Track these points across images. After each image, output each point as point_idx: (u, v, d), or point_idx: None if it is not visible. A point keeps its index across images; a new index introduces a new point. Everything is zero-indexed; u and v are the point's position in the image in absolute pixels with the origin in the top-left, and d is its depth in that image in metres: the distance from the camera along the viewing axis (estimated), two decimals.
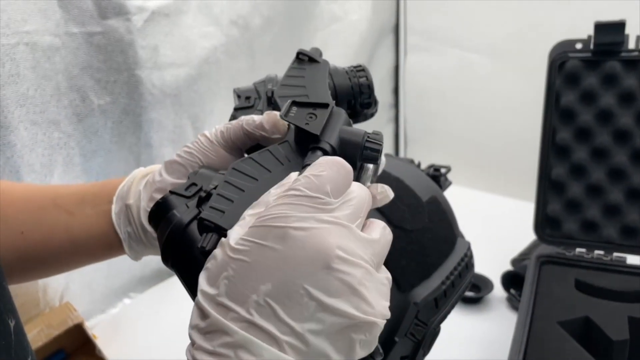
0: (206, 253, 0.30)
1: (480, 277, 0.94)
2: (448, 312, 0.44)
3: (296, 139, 0.37)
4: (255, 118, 0.42)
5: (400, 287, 0.42)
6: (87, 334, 0.82)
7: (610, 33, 0.73)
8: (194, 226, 0.33)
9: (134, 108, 0.91)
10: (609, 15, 1.08)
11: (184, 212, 0.34)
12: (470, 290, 0.91)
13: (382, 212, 0.45)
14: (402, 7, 1.42)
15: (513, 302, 0.88)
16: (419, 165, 0.61)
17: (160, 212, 0.34)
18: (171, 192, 0.35)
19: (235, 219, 0.30)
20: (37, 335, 0.78)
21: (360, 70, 0.48)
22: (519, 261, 0.94)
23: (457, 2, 1.31)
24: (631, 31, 0.74)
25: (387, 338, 0.40)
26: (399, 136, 1.58)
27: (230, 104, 1.14)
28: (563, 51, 0.77)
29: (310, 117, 0.36)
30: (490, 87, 1.31)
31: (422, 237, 0.45)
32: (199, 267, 0.29)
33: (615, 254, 0.76)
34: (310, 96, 0.43)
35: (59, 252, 0.45)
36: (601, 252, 0.76)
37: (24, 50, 0.75)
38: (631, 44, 0.74)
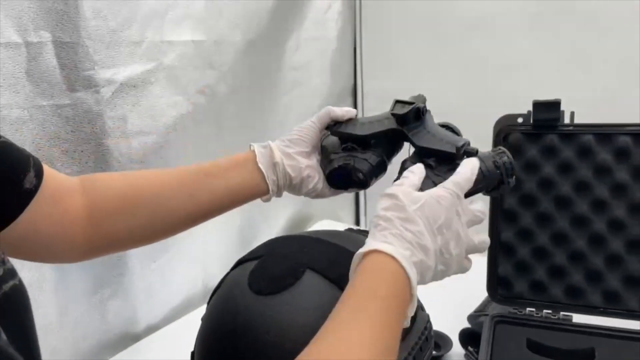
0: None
1: (440, 334, 0.98)
2: None
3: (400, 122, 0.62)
4: (336, 110, 0.66)
5: None
6: None
7: (547, 110, 0.80)
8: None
9: None
10: (547, 86, 1.19)
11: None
12: None
13: (327, 278, 0.47)
14: (359, 72, 1.50)
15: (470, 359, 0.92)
16: None
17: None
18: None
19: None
20: None
21: (501, 152, 0.59)
22: (475, 317, 0.98)
23: (408, 70, 1.41)
24: (566, 107, 0.82)
25: None
26: (359, 192, 1.64)
27: None
28: (506, 124, 0.84)
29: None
30: None
31: None
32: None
33: (562, 313, 0.81)
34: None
35: (222, 202, 0.62)
36: (549, 312, 0.82)
37: None
38: (567, 119, 0.82)
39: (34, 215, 0.51)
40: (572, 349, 0.75)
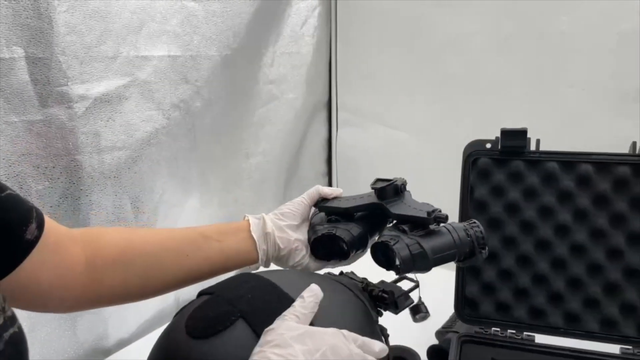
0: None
1: (408, 350, 1.00)
2: None
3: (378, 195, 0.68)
4: (325, 189, 0.74)
5: None
6: None
7: (514, 138, 0.83)
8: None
9: (73, 192, 0.92)
10: (515, 110, 1.22)
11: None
12: None
13: (255, 332, 0.47)
14: (333, 86, 1.52)
15: None
16: (365, 284, 0.64)
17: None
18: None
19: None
20: None
21: (474, 224, 0.63)
22: (442, 334, 1.01)
23: (382, 85, 1.43)
24: (533, 132, 0.85)
25: None
26: None
27: (170, 181, 1.19)
28: (475, 150, 0.87)
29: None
30: (414, 162, 1.42)
31: None
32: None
33: (525, 333, 0.84)
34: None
35: (213, 265, 0.64)
36: (513, 332, 0.85)
37: None
38: (533, 147, 0.85)
39: (34, 265, 0.53)
40: None
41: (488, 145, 0.86)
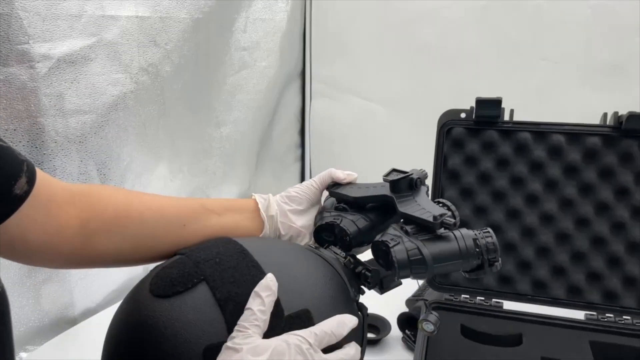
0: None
1: (379, 318, 1.01)
2: None
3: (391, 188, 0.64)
4: (338, 172, 0.70)
5: None
6: None
7: (488, 107, 0.84)
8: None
9: (35, 156, 0.88)
10: (489, 81, 1.23)
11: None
12: (369, 331, 0.98)
13: (224, 316, 0.45)
14: (307, 55, 1.49)
15: (408, 343, 0.96)
16: (349, 260, 0.60)
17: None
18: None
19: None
20: None
21: (486, 233, 0.57)
22: (412, 302, 1.02)
23: (357, 56, 1.41)
24: (506, 104, 0.86)
25: None
26: (304, 174, 1.65)
27: (138, 148, 1.15)
28: (450, 119, 0.87)
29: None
30: (387, 135, 1.41)
31: None
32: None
33: (494, 300, 0.86)
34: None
35: (208, 239, 0.60)
36: (482, 298, 0.86)
37: None
38: (507, 116, 0.85)
39: (23, 222, 0.50)
40: (502, 335, 0.80)
41: (462, 115, 0.86)
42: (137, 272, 1.12)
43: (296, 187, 0.70)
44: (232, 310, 0.46)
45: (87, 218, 0.57)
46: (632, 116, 0.78)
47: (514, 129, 0.84)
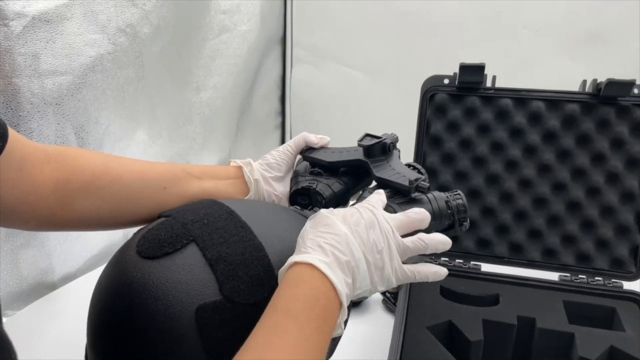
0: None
1: None
2: None
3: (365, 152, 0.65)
4: (311, 136, 0.71)
5: (212, 357, 0.43)
6: None
7: (472, 73, 0.84)
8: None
9: (11, 118, 0.85)
10: (471, 49, 1.23)
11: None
12: None
13: (216, 276, 0.45)
14: (289, 21, 1.47)
15: (388, 305, 0.98)
16: None
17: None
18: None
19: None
20: None
21: (457, 195, 0.60)
22: None
23: (339, 22, 1.40)
24: (489, 71, 0.86)
25: None
26: (285, 142, 1.64)
27: (116, 112, 1.13)
28: (433, 85, 0.87)
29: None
30: (369, 102, 1.42)
31: (254, 311, 0.44)
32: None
33: (472, 263, 0.88)
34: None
35: (192, 200, 0.59)
36: (461, 261, 0.88)
37: None
38: (489, 83, 0.86)
39: None
40: (480, 295, 0.82)
41: (446, 81, 0.87)
42: (117, 238, 1.11)
43: (273, 154, 0.70)
44: (223, 270, 0.46)
45: (63, 178, 0.56)
46: (610, 83, 0.79)
47: (495, 96, 0.85)
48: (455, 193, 0.61)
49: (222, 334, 0.44)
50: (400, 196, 0.60)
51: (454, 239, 0.87)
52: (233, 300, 0.45)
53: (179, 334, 0.43)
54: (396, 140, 0.68)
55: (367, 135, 0.67)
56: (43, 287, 1.00)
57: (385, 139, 0.65)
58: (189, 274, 0.46)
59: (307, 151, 0.71)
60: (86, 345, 0.50)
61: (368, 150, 0.65)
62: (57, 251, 1.01)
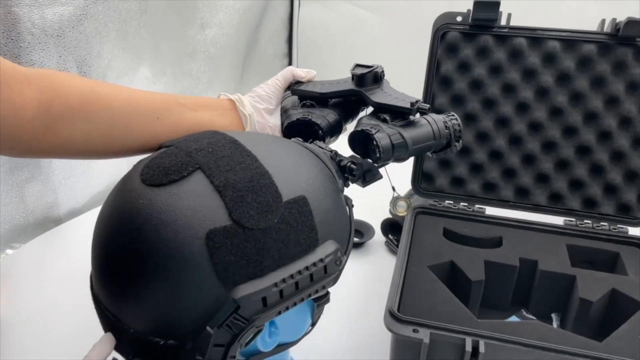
0: None
1: (363, 223, 1.04)
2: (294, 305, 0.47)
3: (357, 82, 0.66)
4: (298, 70, 0.70)
5: (223, 281, 0.43)
6: None
7: (486, 9, 0.81)
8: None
9: (11, 49, 0.84)
10: None
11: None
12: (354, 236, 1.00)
13: (225, 202, 0.45)
14: None
15: (390, 247, 0.99)
16: (334, 154, 0.61)
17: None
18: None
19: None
20: None
21: (452, 117, 0.63)
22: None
23: None
24: (504, 9, 0.83)
25: (201, 326, 0.43)
26: None
27: (119, 46, 1.10)
28: (445, 23, 0.84)
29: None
30: (378, 44, 1.38)
31: (263, 237, 0.45)
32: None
33: (477, 206, 0.88)
34: None
35: (184, 133, 0.57)
36: (465, 204, 0.88)
37: None
38: (503, 21, 0.83)
39: None
40: (483, 237, 0.82)
41: (459, 18, 0.84)
42: (123, 172, 1.11)
43: (262, 86, 0.69)
44: (232, 197, 0.45)
45: (48, 100, 0.53)
46: (630, 22, 0.76)
47: (509, 34, 0.82)
48: (450, 114, 0.64)
49: (233, 257, 0.44)
50: (400, 119, 0.61)
51: (458, 181, 0.88)
52: (244, 226, 0.44)
53: (190, 259, 0.43)
54: (383, 70, 0.69)
55: (358, 65, 0.67)
56: (49, 221, 1.02)
57: (377, 67, 0.66)
58: (197, 201, 0.45)
59: (295, 85, 0.71)
60: (91, 274, 0.51)
61: (361, 79, 0.66)
62: (63, 186, 1.02)
